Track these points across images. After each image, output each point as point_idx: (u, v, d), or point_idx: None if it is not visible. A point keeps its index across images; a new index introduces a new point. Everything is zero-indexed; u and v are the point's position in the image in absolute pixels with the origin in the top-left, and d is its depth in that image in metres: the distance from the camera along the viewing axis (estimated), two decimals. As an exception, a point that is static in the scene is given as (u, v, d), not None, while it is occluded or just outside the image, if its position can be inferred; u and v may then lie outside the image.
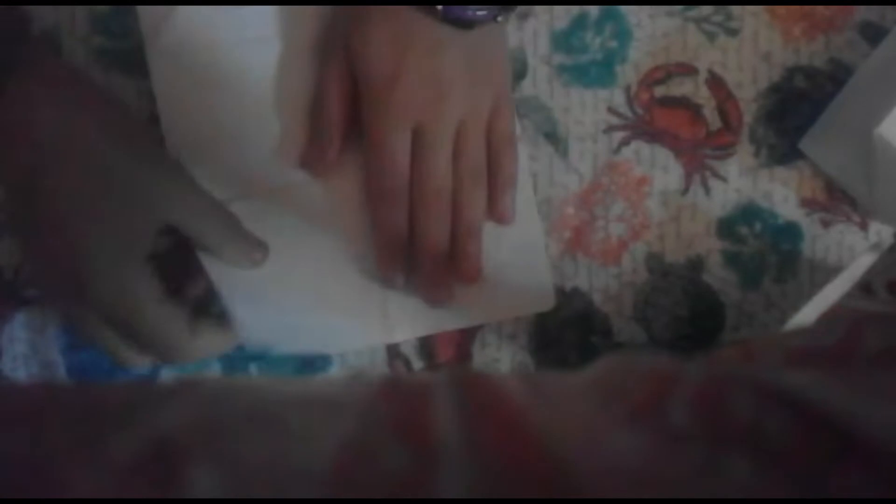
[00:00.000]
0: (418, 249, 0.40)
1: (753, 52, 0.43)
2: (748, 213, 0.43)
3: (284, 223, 0.41)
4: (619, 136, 0.43)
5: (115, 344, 0.37)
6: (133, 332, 0.36)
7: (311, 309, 0.41)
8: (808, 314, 0.40)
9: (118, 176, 0.36)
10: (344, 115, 0.40)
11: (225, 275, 0.39)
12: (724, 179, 0.43)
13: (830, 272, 0.42)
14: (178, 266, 0.38)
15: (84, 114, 0.36)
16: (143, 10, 0.40)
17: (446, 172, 0.40)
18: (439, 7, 0.36)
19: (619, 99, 0.43)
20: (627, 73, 0.43)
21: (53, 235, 0.35)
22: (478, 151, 0.40)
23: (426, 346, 0.43)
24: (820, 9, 0.43)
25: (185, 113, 0.41)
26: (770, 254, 0.43)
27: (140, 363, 0.38)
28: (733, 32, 0.43)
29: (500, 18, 0.38)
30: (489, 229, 0.41)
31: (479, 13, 0.37)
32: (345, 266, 0.42)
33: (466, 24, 0.37)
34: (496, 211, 0.41)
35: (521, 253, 0.42)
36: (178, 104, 0.41)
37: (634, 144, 0.43)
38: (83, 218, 0.35)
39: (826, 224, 0.43)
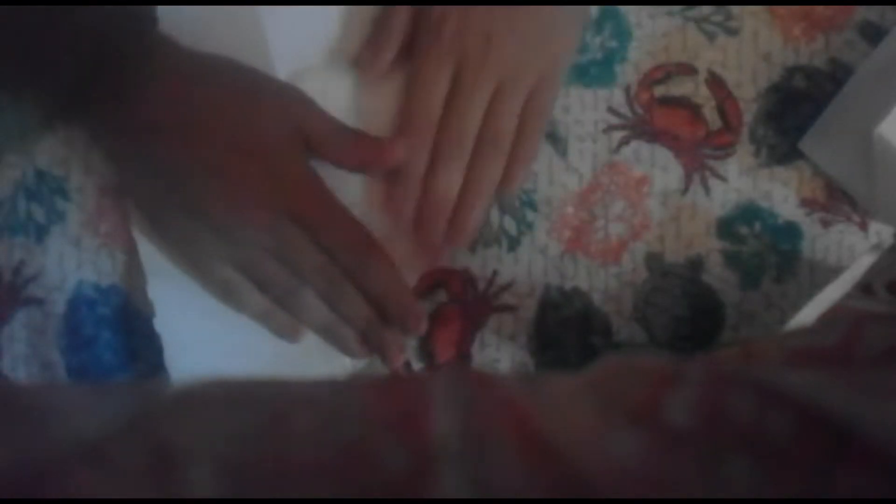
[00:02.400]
0: (429, 197, 0.40)
1: (753, 52, 0.43)
2: (748, 212, 0.43)
3: None
4: (618, 135, 0.43)
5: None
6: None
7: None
8: (808, 314, 0.40)
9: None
10: (406, 27, 0.40)
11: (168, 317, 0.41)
12: (723, 179, 0.43)
13: (830, 272, 0.42)
14: None
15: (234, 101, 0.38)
16: None
17: (474, 126, 0.40)
18: None
19: (618, 98, 0.43)
20: (627, 73, 0.43)
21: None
22: (508, 118, 0.40)
23: (425, 346, 0.43)
24: (820, 9, 0.43)
25: None
26: (770, 254, 0.43)
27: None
28: (733, 32, 0.43)
29: None
30: None
31: None
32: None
33: None
34: (506, 180, 0.41)
35: None
36: None
37: (634, 144, 0.43)
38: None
39: (826, 224, 0.43)
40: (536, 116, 0.41)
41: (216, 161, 0.38)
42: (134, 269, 0.42)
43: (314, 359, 0.41)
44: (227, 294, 0.40)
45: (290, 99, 0.40)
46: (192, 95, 0.38)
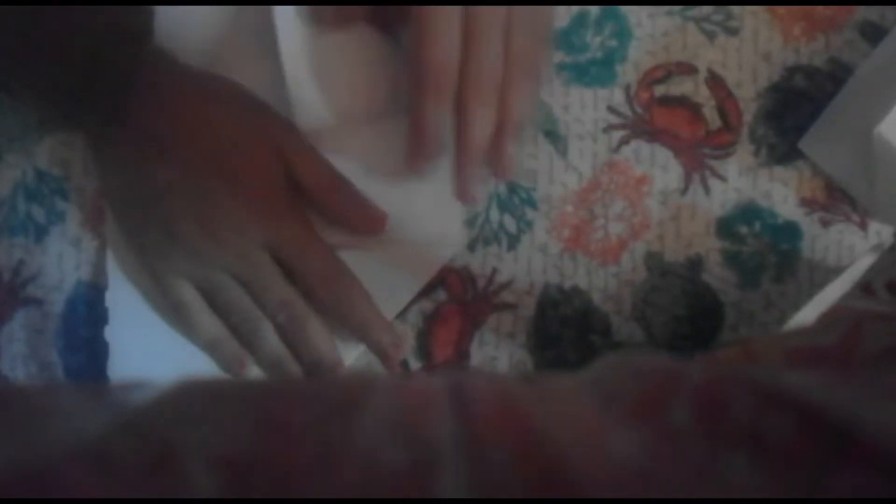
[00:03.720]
0: (463, 143, 0.37)
1: (753, 52, 0.43)
2: (748, 212, 0.43)
3: None
4: (618, 135, 0.43)
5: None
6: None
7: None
8: (807, 314, 0.40)
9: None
10: None
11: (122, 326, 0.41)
12: (723, 179, 0.43)
13: (830, 272, 0.42)
14: None
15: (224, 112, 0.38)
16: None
17: (497, 62, 0.36)
18: None
19: (618, 98, 0.43)
20: (627, 73, 0.43)
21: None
22: (528, 39, 0.37)
23: (424, 345, 0.43)
24: (820, 8, 0.43)
25: None
26: (769, 253, 0.43)
27: None
28: (733, 32, 0.43)
29: None
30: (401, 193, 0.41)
31: None
32: None
33: None
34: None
35: (433, 207, 0.41)
36: None
37: (634, 143, 0.43)
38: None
39: (826, 224, 0.43)
40: (543, 32, 0.39)
41: (196, 182, 0.37)
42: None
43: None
44: (180, 315, 0.40)
45: (281, 130, 0.39)
46: (180, 112, 0.38)
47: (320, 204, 0.40)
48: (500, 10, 0.36)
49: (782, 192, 0.43)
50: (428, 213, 0.41)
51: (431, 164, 0.39)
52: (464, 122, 0.37)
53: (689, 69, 0.43)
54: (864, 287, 0.29)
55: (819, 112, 0.42)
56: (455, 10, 0.35)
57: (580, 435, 0.17)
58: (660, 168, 0.43)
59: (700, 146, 0.43)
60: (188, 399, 0.18)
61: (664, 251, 0.43)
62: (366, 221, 0.40)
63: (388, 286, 0.41)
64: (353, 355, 0.42)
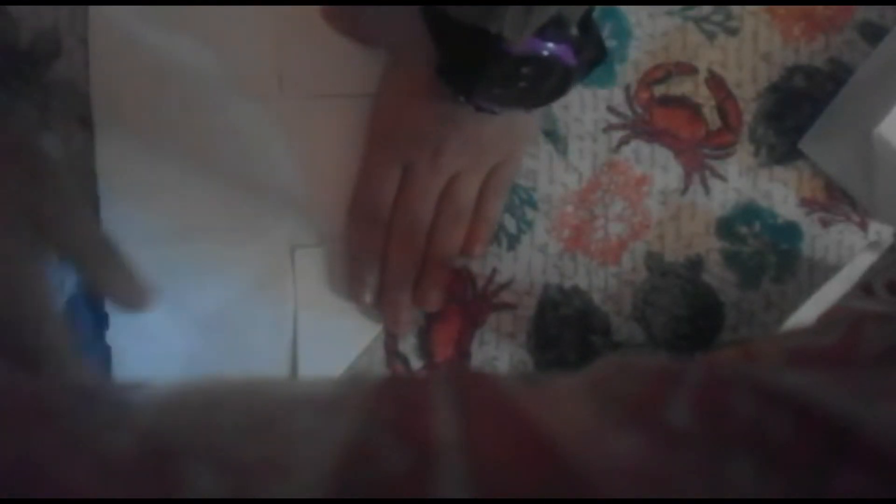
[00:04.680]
0: (388, 275, 0.41)
1: (753, 52, 0.43)
2: (747, 212, 0.43)
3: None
4: (618, 135, 0.43)
5: None
6: None
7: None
8: (807, 314, 0.40)
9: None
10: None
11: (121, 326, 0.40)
12: (723, 179, 0.43)
13: (830, 272, 0.42)
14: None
15: None
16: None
17: (427, 208, 0.40)
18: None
19: (618, 98, 0.43)
20: (627, 73, 0.43)
21: None
22: (467, 198, 0.41)
23: (424, 344, 0.43)
24: (820, 9, 0.43)
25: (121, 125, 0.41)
26: (769, 253, 0.43)
27: None
28: (733, 32, 0.43)
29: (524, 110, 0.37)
30: None
31: (500, 109, 0.36)
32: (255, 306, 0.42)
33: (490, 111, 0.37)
34: (468, 248, 0.41)
35: None
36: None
37: (634, 143, 0.43)
38: None
39: (825, 224, 0.43)
40: (497, 188, 0.41)
41: None
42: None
43: None
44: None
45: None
46: None
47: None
48: (442, 177, 0.39)
49: (782, 192, 0.43)
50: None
51: (371, 290, 0.41)
52: (387, 257, 0.41)
53: (689, 69, 0.43)
54: (864, 287, 0.29)
55: (819, 112, 0.42)
56: (397, 166, 0.40)
57: (580, 435, 0.17)
58: (660, 168, 0.43)
59: (700, 146, 0.43)
60: (188, 399, 0.18)
61: (664, 251, 0.43)
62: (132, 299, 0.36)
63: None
64: (352, 356, 0.42)
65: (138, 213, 0.41)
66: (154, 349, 0.41)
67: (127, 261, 0.36)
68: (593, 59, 0.35)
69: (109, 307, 0.41)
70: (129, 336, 0.41)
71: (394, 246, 0.40)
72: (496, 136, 0.39)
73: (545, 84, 0.34)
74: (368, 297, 0.41)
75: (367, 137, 0.41)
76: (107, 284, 0.35)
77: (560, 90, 0.35)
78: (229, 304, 0.41)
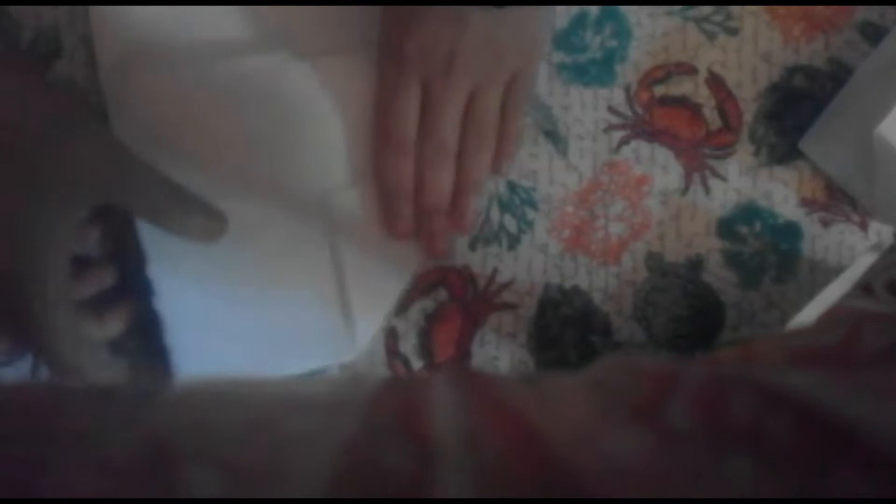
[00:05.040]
0: (422, 202, 0.41)
1: (753, 52, 0.43)
2: (748, 212, 0.43)
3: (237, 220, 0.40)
4: (618, 135, 0.43)
5: None
6: (30, 336, 0.34)
7: (262, 329, 0.41)
8: (808, 314, 0.40)
9: (43, 159, 0.34)
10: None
11: (169, 298, 0.40)
12: (723, 179, 0.43)
13: (830, 272, 0.42)
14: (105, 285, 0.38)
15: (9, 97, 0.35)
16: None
17: (452, 131, 0.40)
18: None
19: (618, 98, 0.43)
20: (627, 73, 0.43)
21: None
22: (488, 114, 0.41)
23: (425, 344, 0.43)
24: (820, 9, 0.43)
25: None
26: (770, 253, 0.43)
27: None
28: (733, 32, 0.43)
29: None
30: None
31: None
32: (299, 265, 0.41)
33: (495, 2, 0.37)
34: (496, 167, 0.42)
35: None
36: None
37: (634, 144, 0.43)
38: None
39: (826, 224, 0.43)
40: (515, 104, 0.41)
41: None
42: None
43: (313, 343, 0.41)
44: None
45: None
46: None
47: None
48: (458, 92, 0.39)
49: (782, 192, 0.43)
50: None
51: (405, 219, 0.41)
52: (419, 185, 0.41)
53: (689, 69, 0.43)
54: (864, 287, 0.29)
55: (819, 112, 0.42)
56: (414, 84, 0.39)
57: (580, 435, 0.17)
58: (660, 168, 0.43)
59: (700, 146, 0.43)
60: (189, 399, 0.18)
61: (664, 251, 0.43)
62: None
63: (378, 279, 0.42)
64: (398, 291, 0.42)
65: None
66: (203, 313, 0.40)
67: (195, 197, 0.38)
68: None
69: (154, 274, 0.40)
70: (177, 301, 0.40)
71: (424, 174, 0.41)
72: (507, 38, 0.39)
73: None
74: (404, 228, 0.41)
75: (379, 60, 0.41)
76: (186, 228, 0.38)
77: None
78: (268, 259, 0.41)
